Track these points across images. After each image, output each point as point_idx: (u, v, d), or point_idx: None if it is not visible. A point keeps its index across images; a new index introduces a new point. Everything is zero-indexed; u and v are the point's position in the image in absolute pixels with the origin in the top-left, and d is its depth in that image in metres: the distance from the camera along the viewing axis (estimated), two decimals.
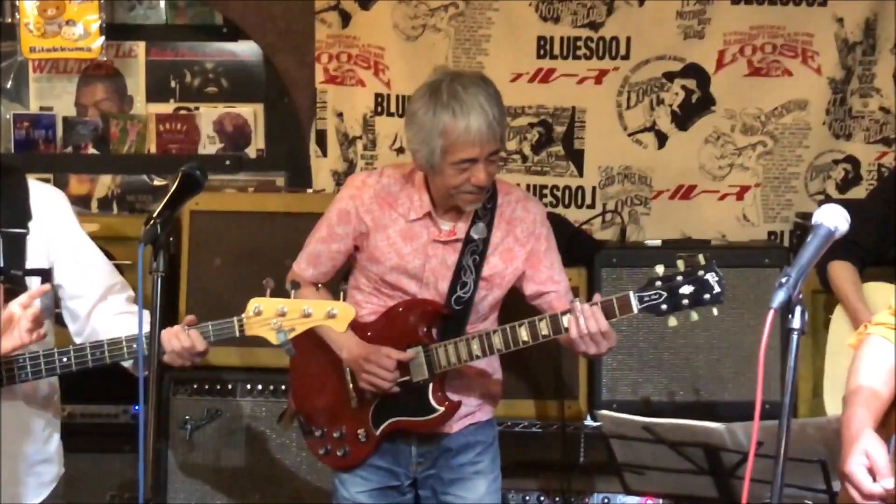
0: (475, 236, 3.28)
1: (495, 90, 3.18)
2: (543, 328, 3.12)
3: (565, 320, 3.09)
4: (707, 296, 2.98)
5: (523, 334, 3.14)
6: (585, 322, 3.04)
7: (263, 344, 4.06)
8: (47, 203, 2.93)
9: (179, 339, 2.76)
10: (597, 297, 3.11)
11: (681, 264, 3.02)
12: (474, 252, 3.28)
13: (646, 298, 3.03)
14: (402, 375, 3.26)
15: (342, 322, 2.76)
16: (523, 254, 3.31)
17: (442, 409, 3.26)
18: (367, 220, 3.29)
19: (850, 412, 2.44)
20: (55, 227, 2.90)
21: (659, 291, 3.00)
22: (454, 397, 3.30)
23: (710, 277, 2.98)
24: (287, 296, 2.76)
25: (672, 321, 3.04)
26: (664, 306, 3.01)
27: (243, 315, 2.77)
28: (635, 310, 3.04)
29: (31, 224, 2.87)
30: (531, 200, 3.41)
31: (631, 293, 3.04)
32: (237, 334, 2.77)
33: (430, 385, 3.26)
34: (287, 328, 2.74)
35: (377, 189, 3.30)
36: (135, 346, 2.76)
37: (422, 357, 3.25)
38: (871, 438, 2.35)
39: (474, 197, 3.20)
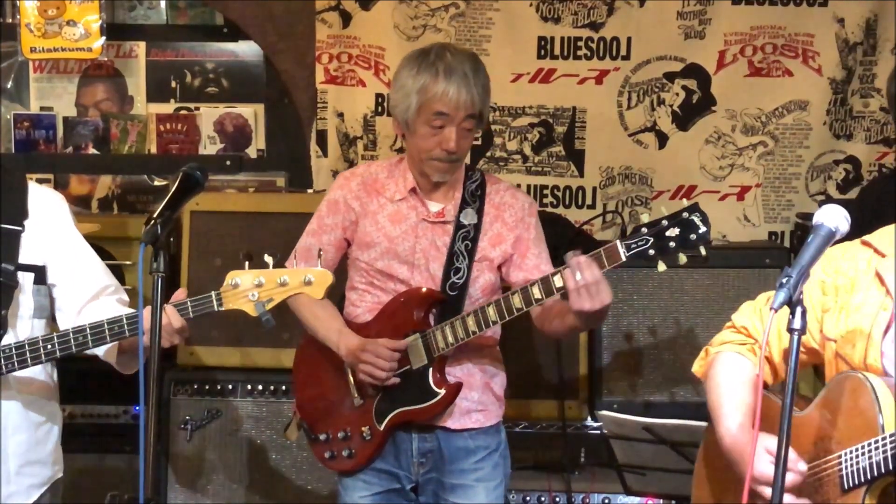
0: (465, 222, 3.30)
1: (484, 69, 3.24)
2: (536, 292, 3.09)
3: (557, 280, 3.05)
4: (693, 236, 2.95)
5: (516, 301, 3.12)
6: (581, 273, 2.98)
7: (265, 345, 4.13)
8: (46, 204, 2.94)
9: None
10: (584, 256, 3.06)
11: (664, 209, 3.01)
12: (466, 237, 3.29)
13: (633, 246, 2.99)
14: (402, 365, 3.26)
15: (319, 288, 2.73)
16: (512, 238, 3.33)
17: (442, 391, 3.25)
18: (355, 207, 3.32)
19: (729, 422, 2.45)
20: (52, 226, 2.92)
21: (645, 237, 2.98)
22: (454, 381, 3.30)
23: (695, 218, 2.95)
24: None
25: (661, 266, 3.01)
26: (652, 251, 2.97)
27: (221, 289, 2.75)
28: (623, 257, 3.00)
29: (27, 222, 2.88)
30: (519, 191, 3.44)
31: (618, 241, 3.00)
32: (216, 309, 2.75)
33: (430, 369, 3.26)
34: (265, 299, 2.72)
35: (364, 177, 3.36)
36: (116, 327, 2.76)
37: (419, 342, 3.25)
38: (764, 437, 2.35)
39: (443, 166, 3.23)
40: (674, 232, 2.95)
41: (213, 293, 2.75)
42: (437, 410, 3.28)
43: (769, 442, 2.28)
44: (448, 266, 3.29)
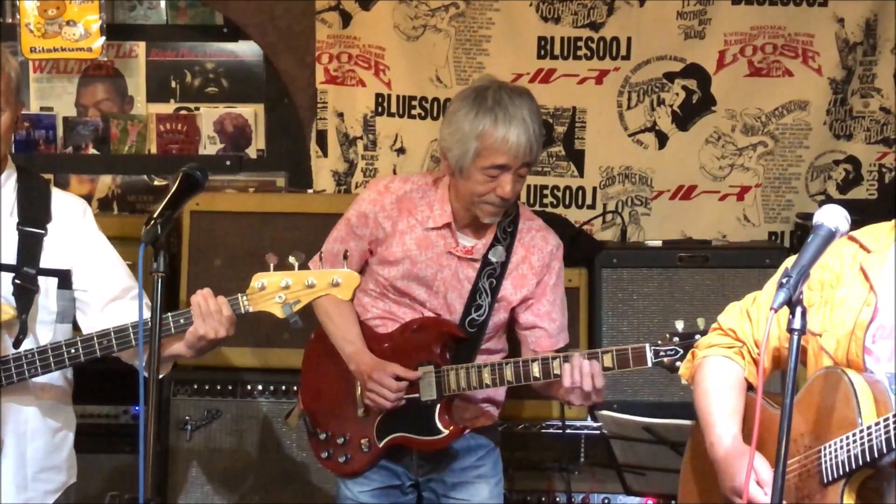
0: (493, 259, 3.27)
1: (538, 107, 3.18)
2: (556, 367, 3.13)
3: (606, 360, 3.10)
4: None
5: (535, 370, 3.15)
6: (581, 378, 3.05)
7: (266, 344, 4.13)
8: (70, 209, 2.95)
9: (208, 301, 2.74)
10: (612, 349, 3.12)
11: (701, 322, 3.01)
12: (491, 275, 3.27)
13: (661, 353, 3.03)
14: (411, 392, 3.25)
15: (347, 290, 2.72)
16: (534, 282, 3.30)
17: (447, 431, 3.26)
18: (385, 226, 3.28)
19: (721, 430, 2.45)
20: (76, 231, 2.92)
21: (675, 348, 3.00)
22: (462, 410, 3.31)
23: None
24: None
25: (684, 380, 3.04)
26: (679, 363, 3.00)
27: (248, 291, 2.75)
28: (649, 363, 3.05)
29: (51, 226, 2.89)
30: (551, 232, 3.39)
31: (647, 346, 3.04)
32: (242, 311, 2.75)
33: (438, 406, 3.25)
34: (292, 301, 2.71)
35: (399, 195, 3.30)
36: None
37: (432, 377, 3.24)
38: (755, 456, 2.34)
39: (494, 209, 3.19)
40: None
41: (239, 295, 2.75)
42: (438, 446, 3.29)
43: (758, 463, 2.31)
44: (470, 302, 3.28)
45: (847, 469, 2.21)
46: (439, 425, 3.25)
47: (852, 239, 2.40)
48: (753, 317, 2.56)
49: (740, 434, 2.45)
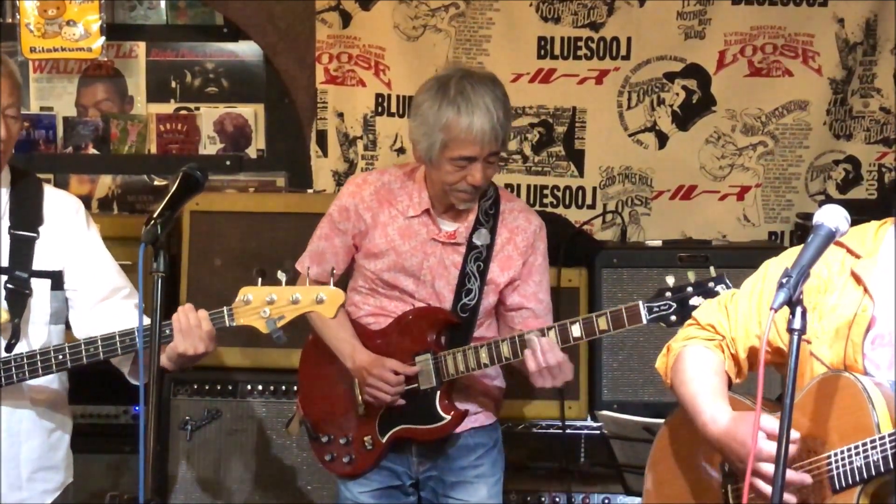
0: (478, 242, 3.28)
1: (503, 93, 3.18)
2: (552, 337, 3.12)
3: (575, 329, 3.09)
4: None
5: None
6: (544, 356, 3.05)
7: (265, 344, 4.12)
8: (63, 209, 2.95)
9: (188, 316, 2.73)
10: (605, 311, 3.10)
11: (691, 275, 3.01)
12: (478, 259, 3.28)
13: (655, 309, 3.02)
14: (410, 383, 3.26)
15: (331, 307, 2.73)
16: (520, 263, 3.32)
17: (449, 417, 3.26)
18: (366, 218, 3.30)
19: (713, 410, 2.40)
20: (68, 232, 2.92)
21: (669, 302, 3.00)
22: (460, 405, 3.31)
23: (721, 289, 2.97)
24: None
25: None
26: (673, 317, 3.00)
27: (233, 304, 2.74)
28: (644, 320, 3.04)
29: (43, 228, 2.89)
30: (532, 213, 3.41)
31: (641, 303, 3.04)
32: (227, 324, 2.75)
33: (438, 393, 3.26)
34: (276, 316, 2.72)
35: (377, 186, 3.32)
36: (128, 340, 2.76)
37: (430, 364, 3.25)
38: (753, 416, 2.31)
39: (468, 196, 3.21)
40: (697, 301, 2.97)
41: (224, 308, 2.75)
42: (442, 434, 3.29)
43: (764, 421, 2.24)
44: (459, 287, 3.28)
45: (865, 475, 2.18)
46: (440, 411, 3.26)
47: (839, 244, 2.38)
48: (731, 314, 2.55)
49: (730, 408, 2.39)
